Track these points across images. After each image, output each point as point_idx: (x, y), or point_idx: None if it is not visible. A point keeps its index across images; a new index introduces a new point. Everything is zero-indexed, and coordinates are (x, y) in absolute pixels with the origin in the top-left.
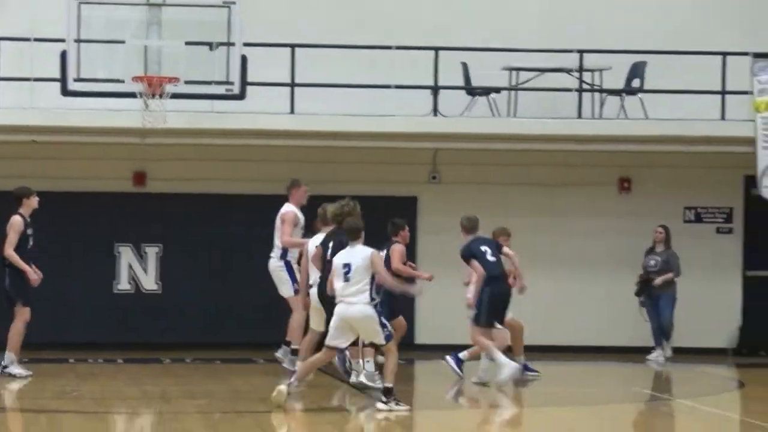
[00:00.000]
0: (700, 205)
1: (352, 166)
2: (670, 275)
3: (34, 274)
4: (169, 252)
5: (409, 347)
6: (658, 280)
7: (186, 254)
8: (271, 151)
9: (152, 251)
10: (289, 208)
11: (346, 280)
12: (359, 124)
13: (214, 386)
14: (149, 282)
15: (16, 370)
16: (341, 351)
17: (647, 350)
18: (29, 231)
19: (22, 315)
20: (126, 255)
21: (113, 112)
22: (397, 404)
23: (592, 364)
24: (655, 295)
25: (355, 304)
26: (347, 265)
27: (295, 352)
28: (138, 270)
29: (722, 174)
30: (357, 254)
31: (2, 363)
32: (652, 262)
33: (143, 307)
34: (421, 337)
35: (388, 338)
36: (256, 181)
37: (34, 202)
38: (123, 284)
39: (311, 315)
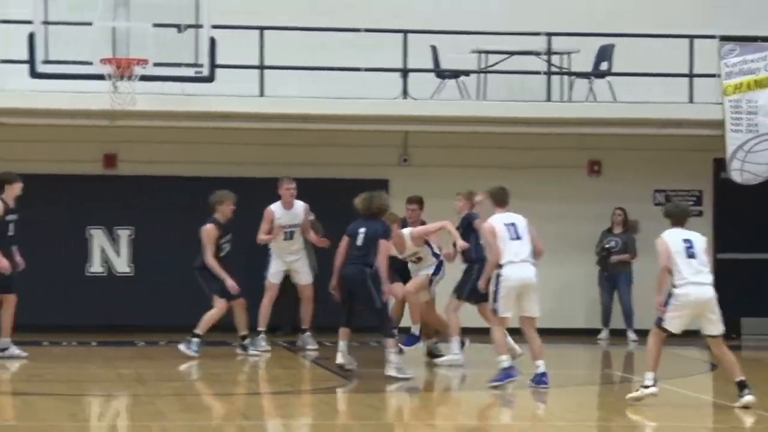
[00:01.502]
0: (669, 188)
1: (322, 149)
2: (626, 256)
3: (4, 261)
4: (142, 235)
5: None
6: (614, 258)
7: (158, 237)
8: (241, 134)
9: (124, 234)
10: (271, 206)
11: (690, 256)
12: (329, 107)
13: (190, 369)
14: (122, 265)
15: (15, 351)
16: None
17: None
18: (10, 217)
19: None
20: (98, 238)
21: (82, 94)
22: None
23: (557, 346)
24: (614, 275)
25: (706, 284)
26: (688, 240)
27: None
28: (110, 253)
29: (692, 157)
30: (697, 236)
31: None
32: (613, 243)
33: (116, 289)
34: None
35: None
36: (226, 163)
37: (17, 188)
38: (96, 267)
39: None
